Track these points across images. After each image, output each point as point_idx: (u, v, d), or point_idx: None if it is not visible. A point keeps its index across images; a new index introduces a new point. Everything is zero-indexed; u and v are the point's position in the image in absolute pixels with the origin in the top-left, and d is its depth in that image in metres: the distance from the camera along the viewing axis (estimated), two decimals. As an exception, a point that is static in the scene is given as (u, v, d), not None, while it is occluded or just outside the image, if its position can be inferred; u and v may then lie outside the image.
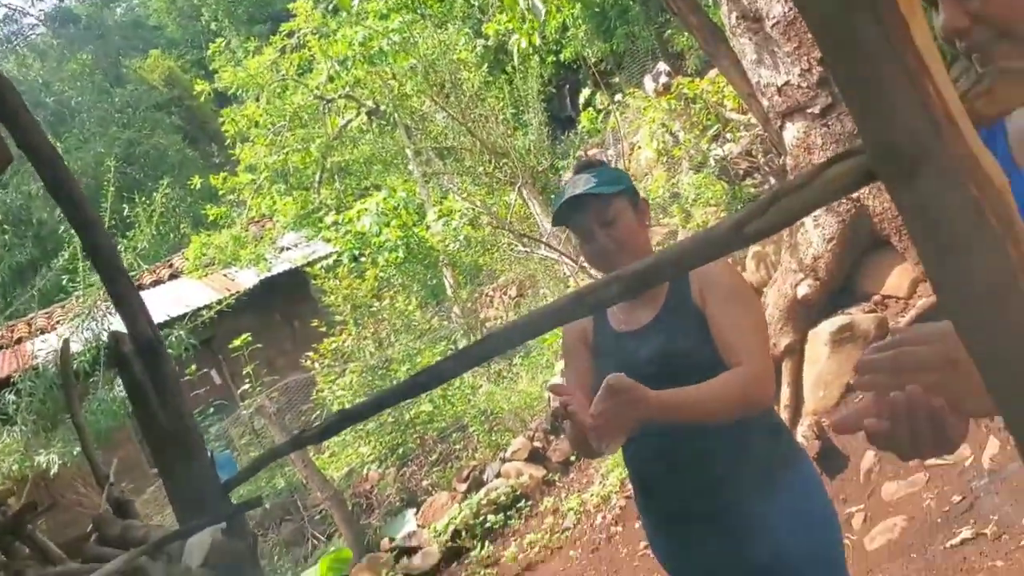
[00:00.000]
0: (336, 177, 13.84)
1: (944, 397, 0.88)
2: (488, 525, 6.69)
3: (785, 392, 4.93)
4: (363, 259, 11.66)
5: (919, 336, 0.94)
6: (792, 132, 5.15)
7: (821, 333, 4.86)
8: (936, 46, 0.68)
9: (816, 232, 4.99)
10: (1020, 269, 0.65)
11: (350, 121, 13.00)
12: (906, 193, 0.68)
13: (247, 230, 12.80)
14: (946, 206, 0.66)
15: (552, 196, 12.53)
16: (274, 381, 9.22)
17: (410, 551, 6.83)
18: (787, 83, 5.03)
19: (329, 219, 12.43)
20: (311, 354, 9.23)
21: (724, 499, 1.92)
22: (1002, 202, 0.66)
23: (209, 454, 2.61)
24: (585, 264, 8.06)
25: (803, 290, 4.96)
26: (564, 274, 10.04)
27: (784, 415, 4.82)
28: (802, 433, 4.58)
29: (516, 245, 10.49)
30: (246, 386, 8.93)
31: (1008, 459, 3.73)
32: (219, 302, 9.34)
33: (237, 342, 8.99)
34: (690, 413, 1.81)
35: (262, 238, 12.73)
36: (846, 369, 4.74)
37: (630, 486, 5.80)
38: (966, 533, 3.45)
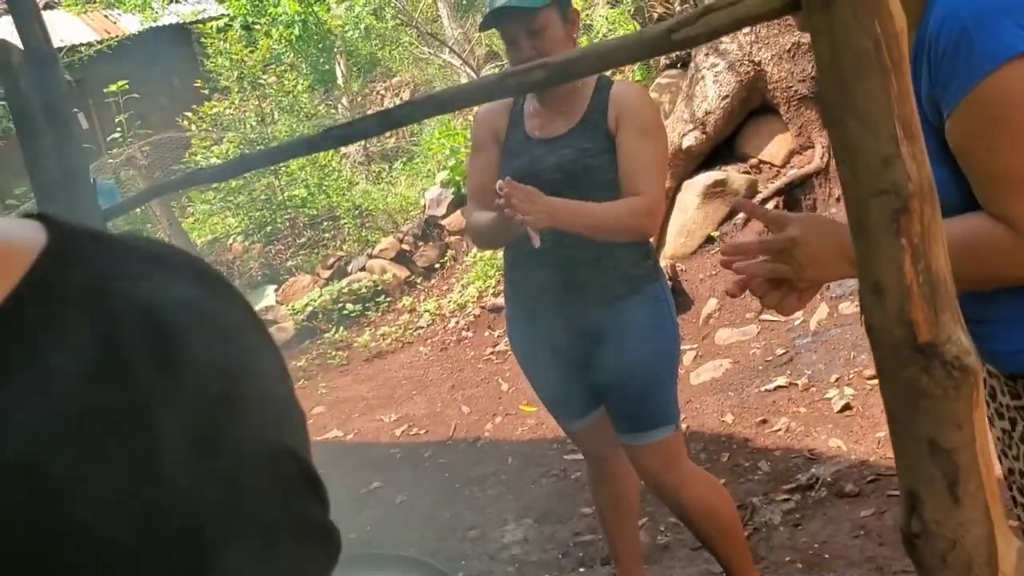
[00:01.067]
0: (238, -65, 12.83)
1: (790, 268, 1.13)
2: (346, 312, 6.88)
3: (651, 234, 5.20)
4: (256, 28, 11.06)
5: (776, 219, 1.18)
6: (714, -16, 5.17)
7: (695, 184, 5.10)
8: None
9: (713, 87, 5.13)
10: (896, 100, 0.78)
11: None
12: (822, 18, 0.78)
13: (136, -28, 11.84)
14: (850, 37, 0.77)
15: (463, 1, 12.12)
16: (147, 135, 8.84)
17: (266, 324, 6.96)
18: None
19: (225, -22, 11.63)
20: (189, 115, 8.87)
21: (587, 298, 2.10)
22: (898, 43, 0.78)
23: (92, 180, 2.58)
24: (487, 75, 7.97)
25: (689, 141, 5.15)
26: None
27: (645, 255, 5.10)
28: (658, 273, 4.90)
29: (418, 45, 10.20)
30: (116, 135, 8.55)
31: (832, 324, 4.15)
32: (100, 42, 8.72)
33: (113, 87, 8.51)
34: (583, 225, 1.97)
35: (150, -15, 11.82)
36: (712, 221, 5.04)
37: (486, 298, 6.08)
38: (780, 381, 3.85)
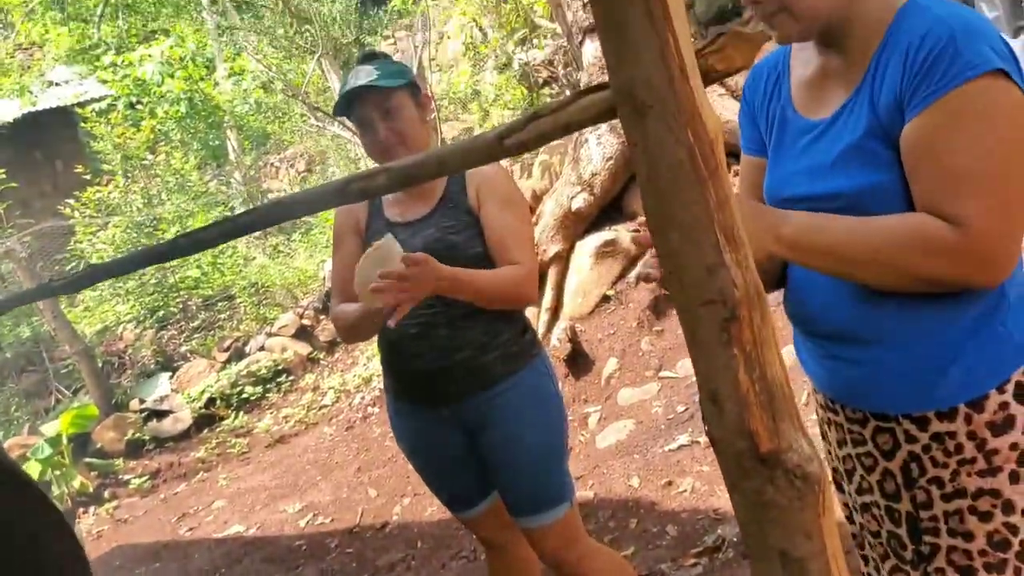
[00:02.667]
0: (120, 14, 12.64)
1: None
2: (245, 396, 6.66)
3: (548, 296, 5.21)
4: (140, 107, 10.85)
5: None
6: (590, 50, 5.30)
7: (587, 245, 5.16)
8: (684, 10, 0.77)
9: (598, 150, 5.23)
10: (716, 209, 0.76)
11: (141, -46, 11.85)
12: (636, 131, 0.77)
13: (13, 56, 11.50)
14: (665, 148, 0.75)
15: (352, 73, 12.14)
16: (28, 224, 8.50)
17: (161, 414, 6.68)
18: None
19: (108, 59, 11.39)
20: (72, 201, 8.57)
21: (467, 383, 2.05)
22: (712, 151, 0.77)
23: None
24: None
25: (578, 203, 5.21)
26: (356, 155, 9.87)
27: (544, 317, 5.11)
28: (557, 335, 4.90)
29: (309, 117, 10.14)
30: (-6, 227, 8.20)
31: (727, 377, 4.19)
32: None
33: (-10, 178, 8.19)
34: (471, 292, 1.93)
35: (29, 68, 11.49)
36: (606, 280, 5.09)
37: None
38: (683, 439, 3.86)
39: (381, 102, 1.99)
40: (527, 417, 2.08)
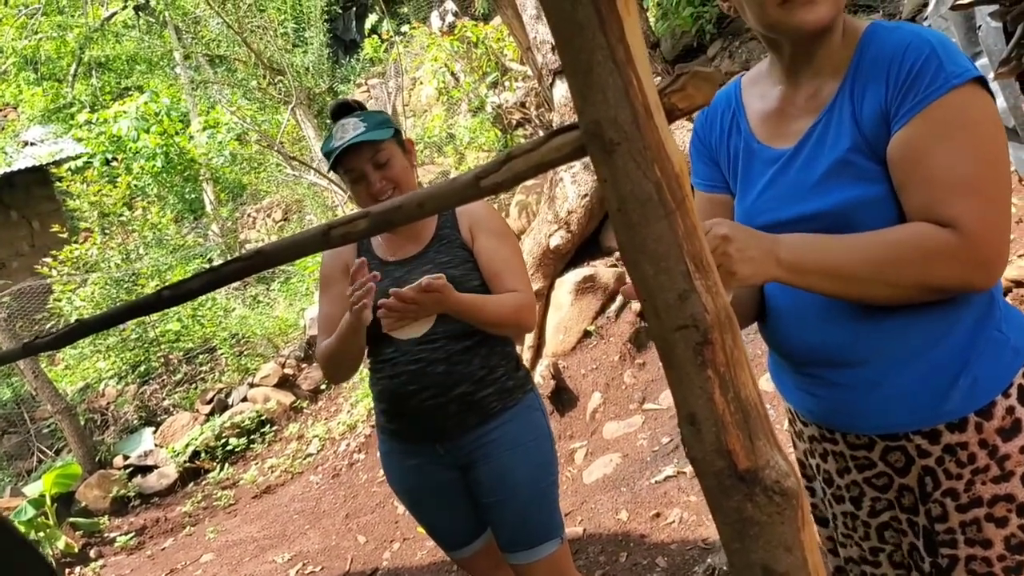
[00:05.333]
0: (94, 72, 12.71)
1: (722, 266, 1.12)
2: (230, 448, 6.61)
3: (531, 334, 5.25)
4: (116, 164, 10.86)
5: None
6: (560, 91, 5.39)
7: (566, 282, 5.20)
8: (644, 48, 0.81)
9: (572, 188, 5.29)
10: (684, 238, 0.80)
11: (115, 14, 11.93)
12: (605, 168, 0.81)
13: (-16, 117, 11.51)
14: (633, 183, 0.79)
15: (327, 121, 12.24)
16: (6, 284, 8.46)
17: (145, 470, 6.61)
18: (562, 42, 5.23)
19: (82, 117, 11.42)
20: (49, 260, 8.54)
21: (463, 418, 2.06)
22: (678, 184, 0.81)
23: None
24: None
25: (556, 240, 5.27)
26: (333, 202, 9.91)
27: (527, 355, 5.13)
28: (540, 373, 4.92)
29: (285, 167, 10.19)
30: (-31, 287, 8.15)
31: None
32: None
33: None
34: (477, 315, 1.98)
35: (3, 129, 11.50)
36: (586, 316, 5.12)
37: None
38: (669, 471, 3.87)
39: (373, 154, 2.04)
40: (520, 452, 2.10)
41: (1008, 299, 3.40)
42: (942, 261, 1.13)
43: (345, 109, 2.14)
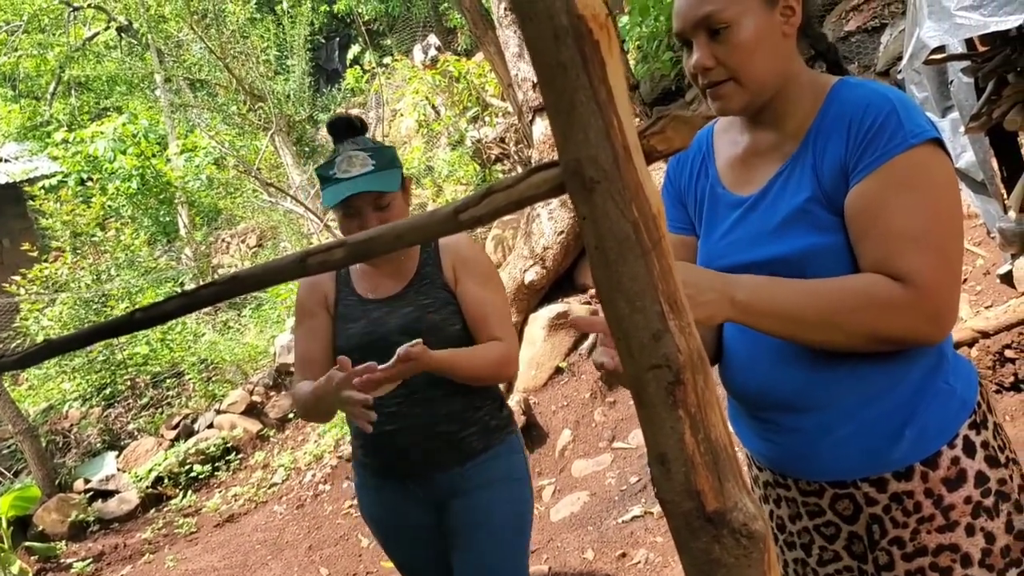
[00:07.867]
0: (73, 92, 12.66)
1: None
2: (194, 474, 6.50)
3: (502, 370, 5.23)
4: (91, 184, 10.78)
5: None
6: (540, 128, 5.45)
7: (540, 318, 5.21)
8: (626, 91, 0.83)
9: (549, 224, 5.32)
10: (660, 278, 0.81)
11: (97, 34, 11.93)
12: (584, 206, 0.82)
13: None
14: (612, 222, 0.80)
15: (306, 149, 12.27)
16: (-28, 302, 8.33)
17: (106, 494, 6.48)
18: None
19: (59, 136, 11.35)
20: (18, 278, 8.42)
21: (444, 456, 2.03)
22: (655, 224, 0.81)
23: None
24: (330, 223, 8.00)
25: (531, 276, 5.28)
26: (308, 230, 9.88)
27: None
28: (511, 407, 4.90)
29: (261, 193, 10.17)
30: (-67, 303, 8.01)
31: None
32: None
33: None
34: (456, 372, 1.93)
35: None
36: (558, 352, 5.13)
37: (343, 447, 5.89)
38: (636, 511, 3.86)
39: (376, 197, 1.95)
40: (502, 494, 2.06)
41: (974, 350, 3.45)
42: (894, 312, 1.16)
43: (346, 127, 2.04)
